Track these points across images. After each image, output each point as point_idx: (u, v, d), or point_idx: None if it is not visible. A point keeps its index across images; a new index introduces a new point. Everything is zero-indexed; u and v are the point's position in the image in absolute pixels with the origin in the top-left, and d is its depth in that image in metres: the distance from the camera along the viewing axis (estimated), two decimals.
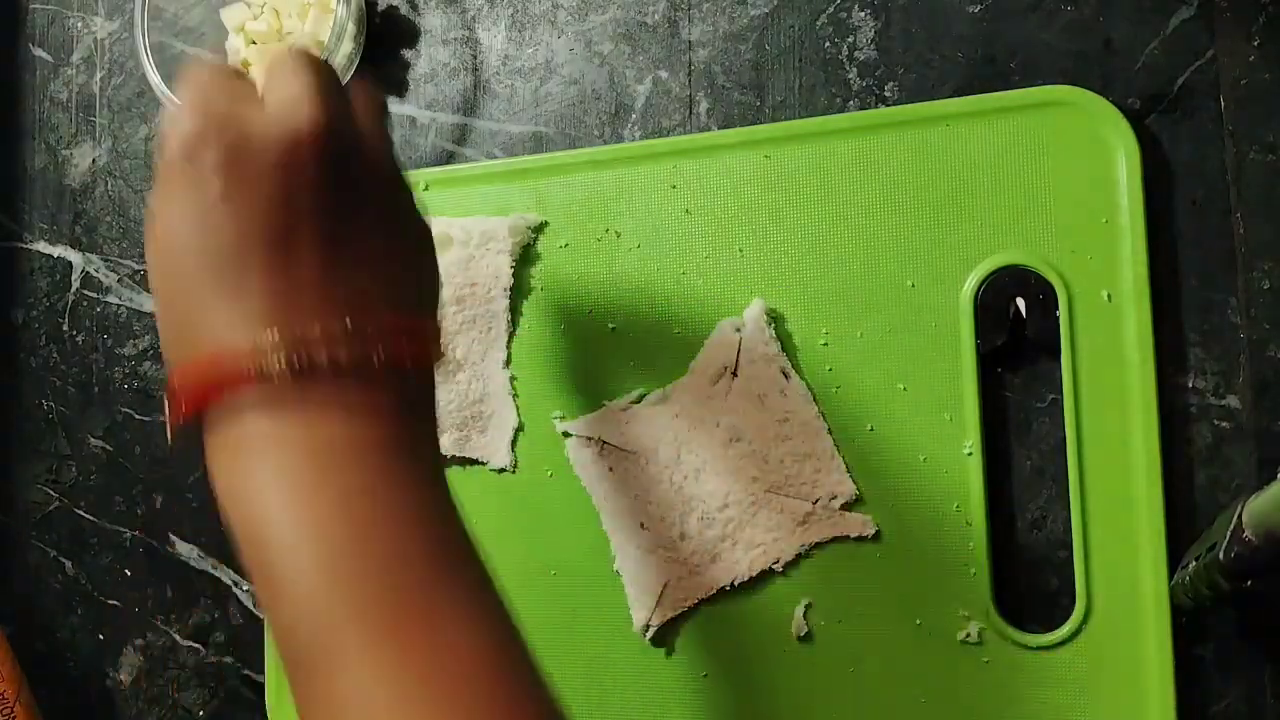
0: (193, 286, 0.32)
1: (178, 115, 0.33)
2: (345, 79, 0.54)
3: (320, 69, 0.34)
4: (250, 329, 0.32)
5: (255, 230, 0.32)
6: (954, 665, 0.44)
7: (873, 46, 0.48)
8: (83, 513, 0.59)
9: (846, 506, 0.46)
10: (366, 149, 0.35)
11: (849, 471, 0.46)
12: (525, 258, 0.51)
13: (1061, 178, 0.44)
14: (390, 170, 0.36)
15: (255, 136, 0.32)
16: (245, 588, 0.56)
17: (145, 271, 0.59)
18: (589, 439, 0.49)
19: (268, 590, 0.31)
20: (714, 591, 0.47)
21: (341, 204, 0.33)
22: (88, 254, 0.60)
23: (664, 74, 0.51)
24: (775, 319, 0.47)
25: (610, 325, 0.49)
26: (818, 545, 0.46)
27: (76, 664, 0.59)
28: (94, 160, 0.60)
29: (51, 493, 0.60)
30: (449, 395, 0.50)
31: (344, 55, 0.51)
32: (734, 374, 0.47)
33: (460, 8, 0.54)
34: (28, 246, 0.61)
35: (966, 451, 0.45)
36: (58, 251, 0.60)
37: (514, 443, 0.50)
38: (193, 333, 0.33)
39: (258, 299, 0.32)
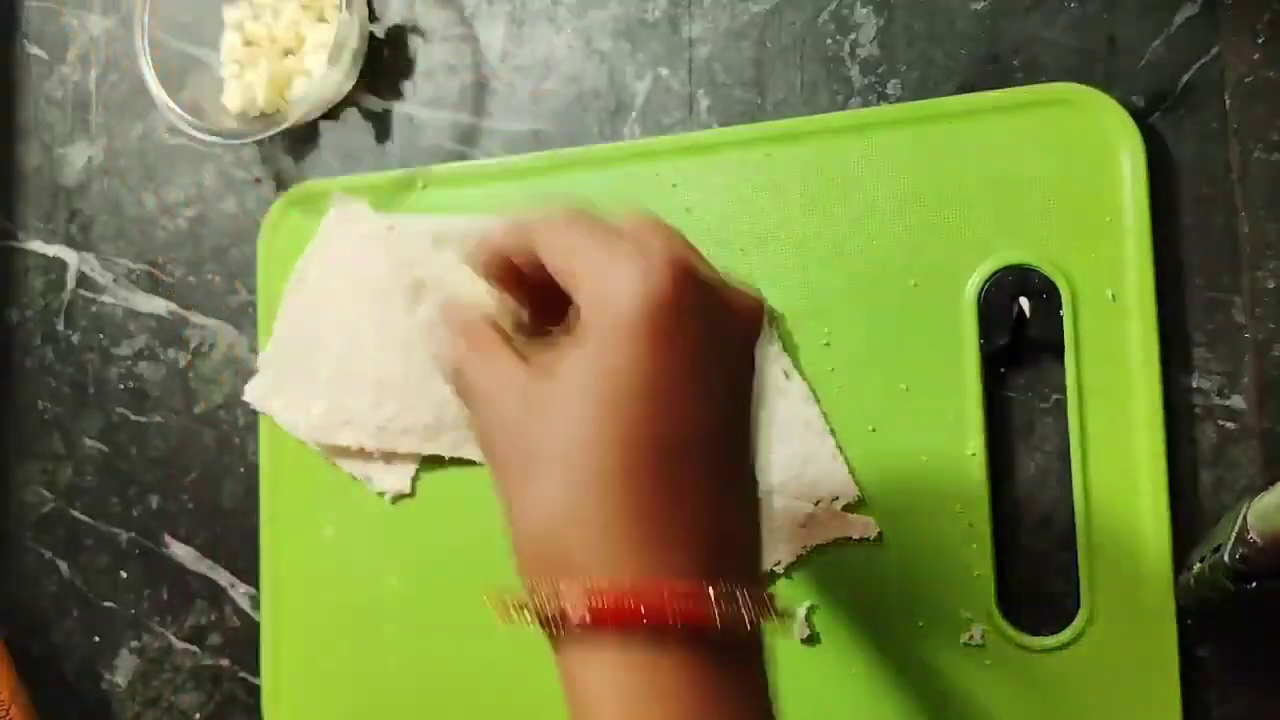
0: (633, 469, 0.29)
1: (649, 268, 0.29)
2: (350, 83, 0.54)
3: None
4: (679, 569, 0.29)
5: (710, 418, 0.30)
6: (957, 668, 0.44)
7: (875, 44, 0.48)
8: (78, 514, 0.59)
9: (849, 508, 0.45)
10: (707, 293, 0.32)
11: (851, 473, 0.45)
12: None
13: (1065, 176, 0.44)
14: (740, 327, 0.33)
15: (721, 310, 0.31)
16: (242, 589, 0.56)
17: (140, 270, 0.58)
18: None
19: None
20: None
21: (747, 408, 0.32)
22: (83, 253, 0.59)
23: (664, 71, 0.50)
24: (776, 319, 0.47)
25: None
26: (820, 547, 0.46)
27: (72, 666, 0.59)
28: (89, 159, 0.60)
29: (47, 494, 0.60)
30: (447, 395, 0.50)
31: (348, 56, 0.51)
32: None
33: (458, 5, 0.53)
34: (22, 246, 0.61)
35: (970, 452, 0.44)
36: (53, 251, 0.60)
37: None
38: (608, 538, 0.29)
39: (691, 539, 0.29)
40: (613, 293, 0.29)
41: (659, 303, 0.29)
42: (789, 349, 0.47)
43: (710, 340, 0.30)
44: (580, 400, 0.29)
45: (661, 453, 0.29)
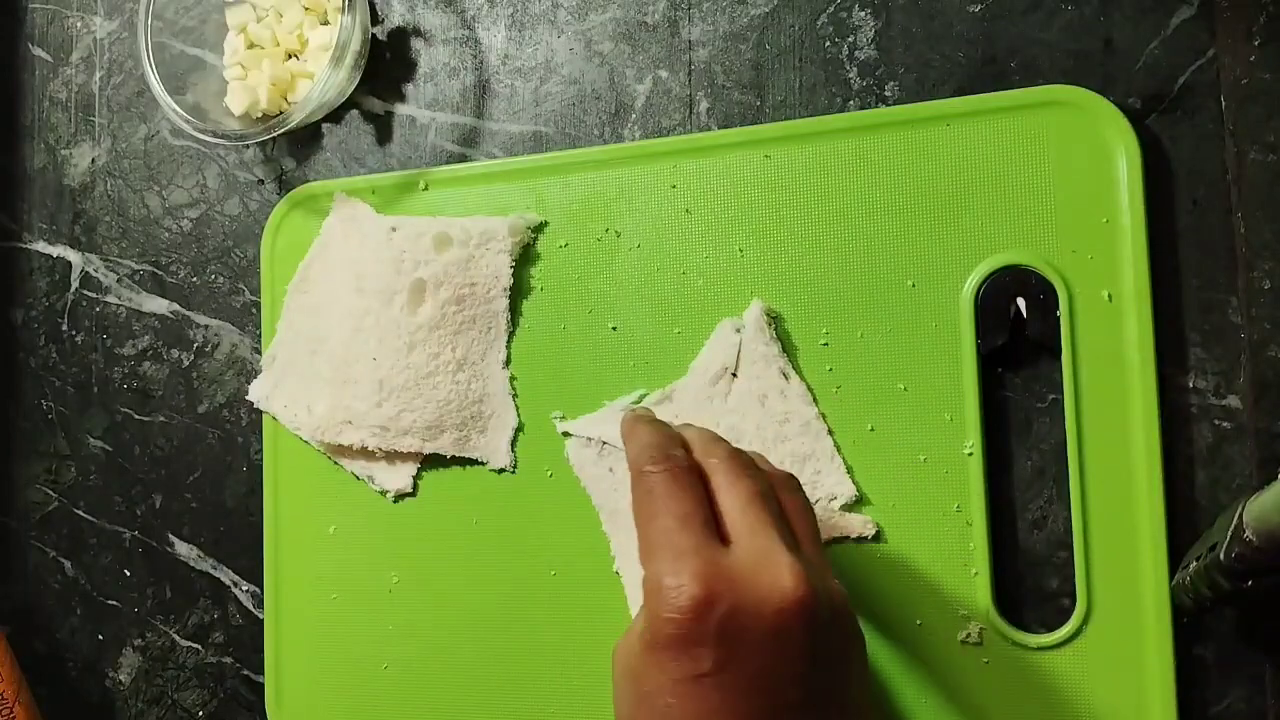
0: None
1: (673, 572, 0.32)
2: (352, 85, 0.54)
3: (771, 509, 0.34)
4: None
5: (740, 712, 0.31)
6: (954, 666, 0.44)
7: (873, 46, 0.48)
8: (82, 513, 0.59)
9: (847, 507, 0.45)
10: (840, 608, 0.33)
11: (849, 472, 0.46)
12: (525, 258, 0.51)
13: (1062, 177, 0.44)
14: (854, 628, 0.34)
15: (748, 605, 0.32)
16: (245, 588, 0.56)
17: (144, 271, 0.59)
18: (589, 439, 0.49)
19: None
20: None
21: (821, 689, 0.32)
22: (87, 254, 0.60)
23: (664, 73, 0.51)
24: (775, 319, 0.47)
25: (610, 325, 0.49)
26: None
27: (76, 664, 0.59)
28: (93, 160, 0.60)
29: (51, 493, 0.60)
30: (449, 395, 0.50)
31: (350, 58, 0.51)
32: (734, 374, 0.47)
33: (460, 7, 0.54)
34: (27, 246, 0.61)
35: (967, 451, 0.44)
36: (57, 251, 0.60)
37: (514, 443, 0.50)
38: None
39: None
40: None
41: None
42: (788, 349, 0.47)
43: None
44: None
45: None
